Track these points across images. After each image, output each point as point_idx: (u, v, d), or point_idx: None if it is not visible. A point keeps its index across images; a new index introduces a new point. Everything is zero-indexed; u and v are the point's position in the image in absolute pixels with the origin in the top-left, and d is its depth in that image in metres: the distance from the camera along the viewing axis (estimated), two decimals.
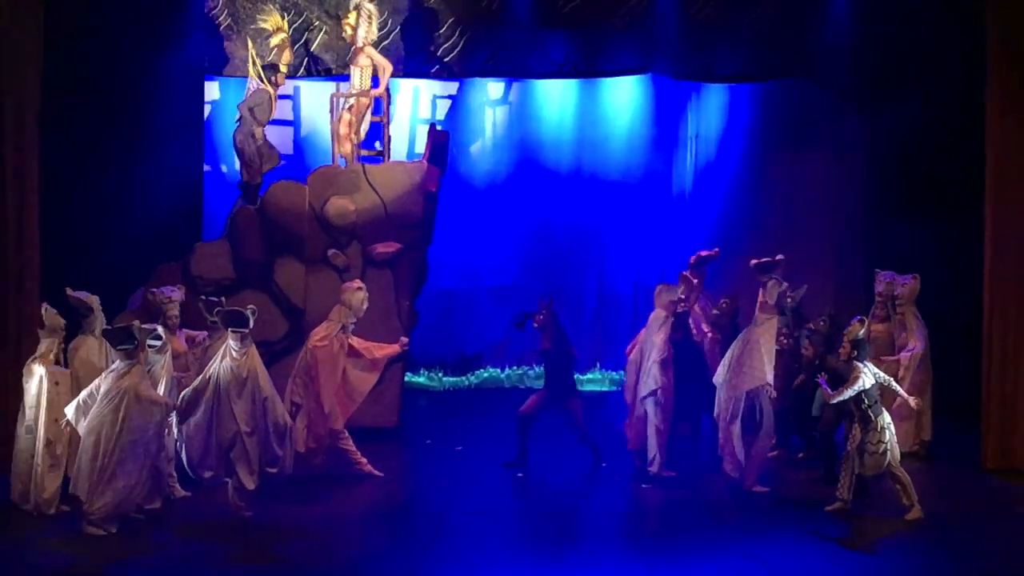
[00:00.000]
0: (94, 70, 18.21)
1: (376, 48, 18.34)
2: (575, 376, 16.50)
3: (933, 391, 16.65)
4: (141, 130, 18.63)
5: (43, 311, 14.26)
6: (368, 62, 18.20)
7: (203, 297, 15.40)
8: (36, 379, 14.00)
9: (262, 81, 18.18)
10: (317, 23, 18.92)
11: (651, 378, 15.22)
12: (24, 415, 14.03)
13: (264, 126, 18.20)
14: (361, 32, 18.13)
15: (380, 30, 18.55)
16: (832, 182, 20.45)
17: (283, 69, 18.27)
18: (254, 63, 18.27)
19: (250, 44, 18.43)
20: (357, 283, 15.84)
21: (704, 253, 16.95)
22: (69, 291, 14.59)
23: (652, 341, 15.32)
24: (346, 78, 18.85)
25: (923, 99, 18.52)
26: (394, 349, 15.89)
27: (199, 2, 19.06)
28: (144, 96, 18.67)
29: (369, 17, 18.15)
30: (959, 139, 17.85)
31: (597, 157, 21.47)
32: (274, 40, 18.28)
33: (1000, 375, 16.09)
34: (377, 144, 18.71)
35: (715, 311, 16.69)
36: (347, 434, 15.54)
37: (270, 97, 18.19)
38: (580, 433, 16.16)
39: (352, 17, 18.21)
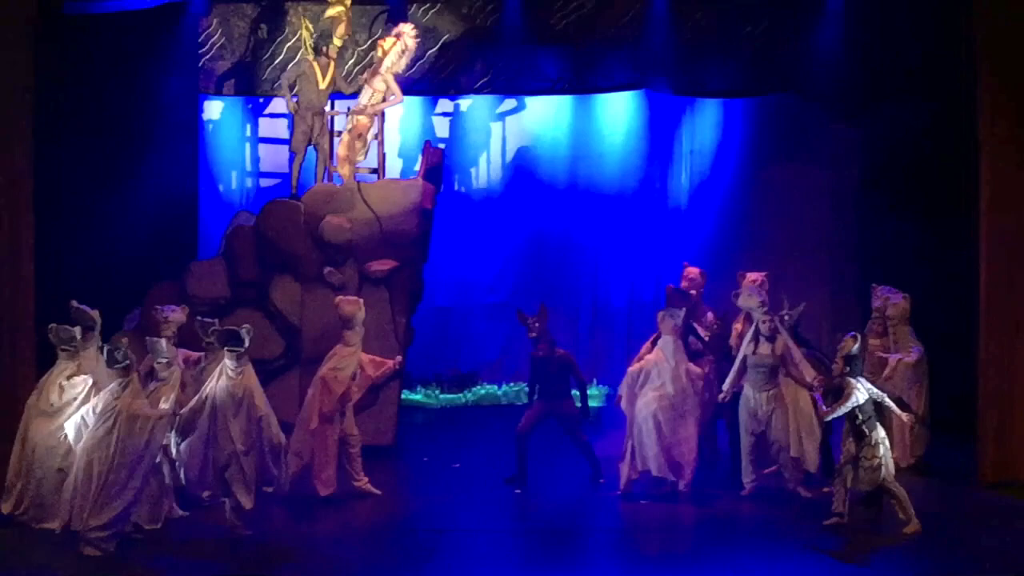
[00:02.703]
0: (89, 89, 18.28)
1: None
2: (568, 383, 16.33)
3: (929, 404, 16.66)
4: (137, 149, 18.69)
5: (58, 330, 14.32)
6: (383, 87, 18.21)
7: (198, 318, 15.43)
8: (81, 390, 14.04)
9: (316, 52, 18.26)
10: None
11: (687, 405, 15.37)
12: (50, 427, 14.05)
13: (320, 97, 18.25)
14: (389, 60, 18.14)
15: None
16: (826, 196, 20.49)
17: (336, 42, 18.36)
18: (310, 33, 18.35)
19: (304, 19, 18.62)
20: (357, 298, 15.91)
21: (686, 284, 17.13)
22: (74, 303, 14.62)
23: (674, 370, 15.36)
24: (340, 96, 18.93)
25: (914, 109, 18.60)
26: (389, 366, 15.91)
27: (194, 22, 19.12)
28: (140, 115, 18.75)
29: (403, 51, 18.18)
30: (951, 148, 17.90)
31: (592, 173, 21.46)
32: (331, 11, 18.34)
33: (996, 386, 16.02)
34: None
35: (706, 332, 16.62)
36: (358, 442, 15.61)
37: (311, 66, 18.22)
38: (578, 442, 16.14)
39: (388, 42, 18.23)
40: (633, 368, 15.62)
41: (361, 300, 15.88)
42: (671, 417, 15.22)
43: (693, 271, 17.31)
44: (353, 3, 18.52)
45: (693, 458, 15.36)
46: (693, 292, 16.91)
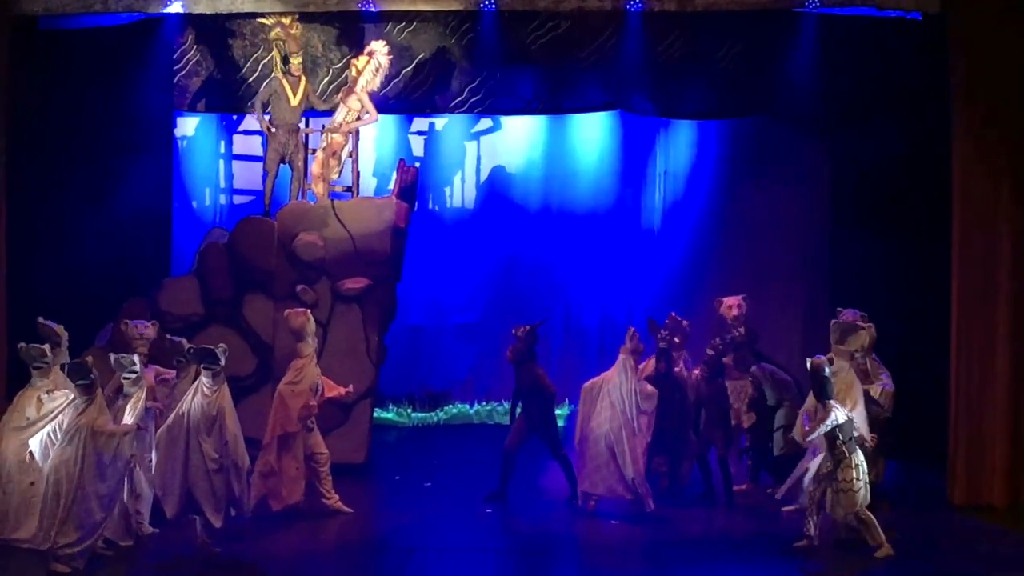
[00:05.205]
0: (64, 105, 18.23)
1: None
2: (552, 405, 16.38)
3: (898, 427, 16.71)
4: (110, 164, 18.64)
5: (29, 349, 14.22)
6: (358, 106, 18.24)
7: (168, 336, 15.39)
8: (61, 403, 13.89)
9: (284, 74, 18.34)
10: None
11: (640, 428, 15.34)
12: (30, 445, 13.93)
13: (292, 114, 18.32)
14: (364, 79, 18.16)
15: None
16: (799, 217, 20.52)
17: (294, 60, 18.37)
18: (279, 51, 18.41)
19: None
20: (304, 309, 15.89)
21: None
22: (41, 320, 14.56)
23: (624, 386, 15.36)
24: (315, 113, 18.92)
25: (886, 131, 18.66)
26: (339, 392, 15.81)
27: (169, 38, 19.11)
28: (114, 131, 18.70)
29: (377, 69, 18.21)
30: (924, 170, 17.96)
31: (566, 193, 21.47)
32: (272, 33, 18.42)
33: (967, 409, 16.12)
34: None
35: (709, 351, 16.58)
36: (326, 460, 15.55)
37: (282, 83, 18.29)
38: (559, 458, 16.15)
39: (361, 61, 18.25)
40: (587, 384, 15.70)
41: (308, 311, 15.85)
42: (621, 437, 15.23)
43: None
44: (298, 20, 18.45)
45: (643, 476, 15.35)
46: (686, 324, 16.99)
